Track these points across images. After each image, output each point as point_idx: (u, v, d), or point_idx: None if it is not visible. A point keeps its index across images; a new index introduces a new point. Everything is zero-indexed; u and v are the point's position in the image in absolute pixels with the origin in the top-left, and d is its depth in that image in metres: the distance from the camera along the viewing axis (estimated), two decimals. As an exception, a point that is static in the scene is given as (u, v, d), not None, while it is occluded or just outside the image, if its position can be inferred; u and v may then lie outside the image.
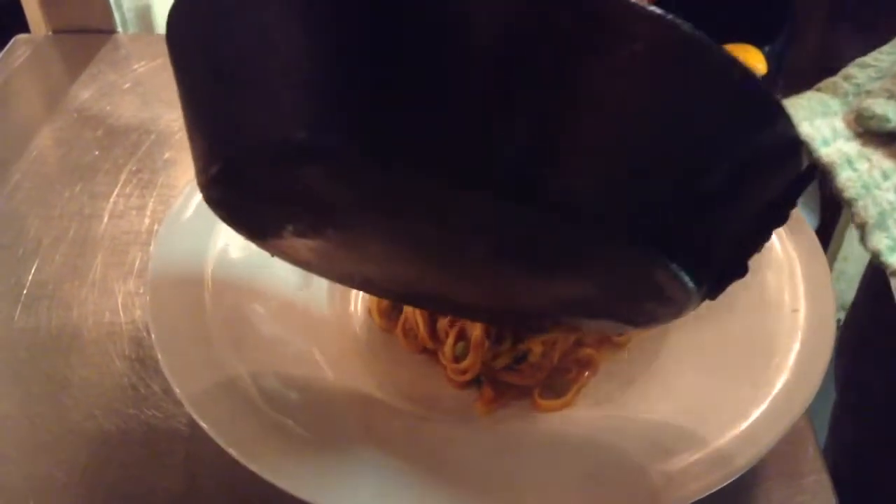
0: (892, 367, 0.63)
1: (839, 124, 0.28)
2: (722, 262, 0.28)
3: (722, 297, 0.44)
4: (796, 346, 0.40)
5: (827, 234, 1.17)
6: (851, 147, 0.28)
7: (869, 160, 0.28)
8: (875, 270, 0.67)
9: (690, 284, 0.27)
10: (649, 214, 0.25)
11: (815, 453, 0.42)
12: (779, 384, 0.38)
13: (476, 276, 0.33)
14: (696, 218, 0.26)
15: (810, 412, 0.41)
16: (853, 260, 1.21)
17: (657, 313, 0.32)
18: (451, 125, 0.23)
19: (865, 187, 0.27)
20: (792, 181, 0.28)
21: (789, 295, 0.42)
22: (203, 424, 0.37)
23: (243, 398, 0.39)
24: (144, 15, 0.83)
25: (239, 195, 0.30)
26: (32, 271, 0.52)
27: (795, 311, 0.42)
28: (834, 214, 1.20)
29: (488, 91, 0.23)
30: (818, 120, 0.28)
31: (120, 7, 0.77)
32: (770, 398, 0.38)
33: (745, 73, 0.24)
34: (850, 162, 0.28)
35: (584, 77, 0.23)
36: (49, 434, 0.43)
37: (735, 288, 0.44)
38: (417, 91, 0.23)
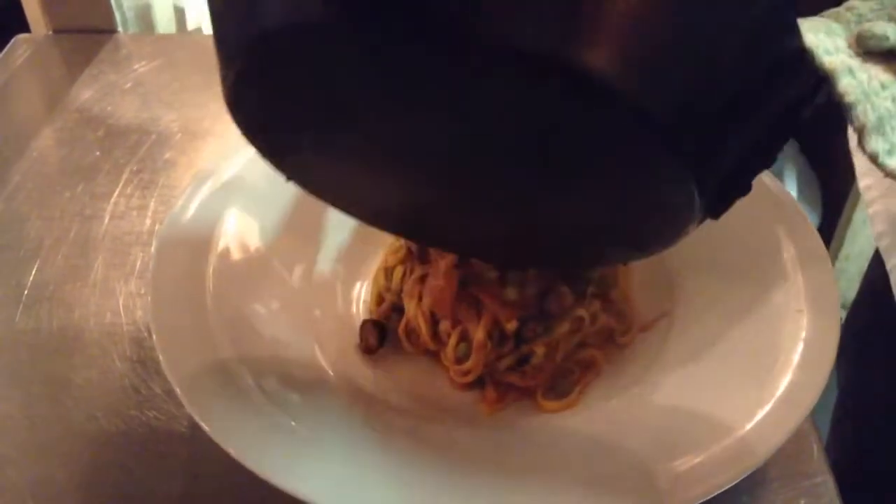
0: (894, 367, 0.63)
1: (841, 43, 0.30)
2: (727, 175, 0.29)
3: (725, 298, 0.44)
4: (800, 347, 0.40)
5: (828, 232, 1.17)
6: (853, 61, 0.29)
7: (868, 73, 0.29)
8: (876, 269, 0.67)
9: (694, 189, 0.27)
10: (667, 103, 0.25)
11: (819, 455, 0.41)
12: (783, 385, 0.38)
13: (487, 190, 0.33)
14: (710, 120, 0.26)
15: (811, 412, 0.40)
16: (854, 259, 1.21)
17: (660, 230, 0.32)
18: None
19: (865, 94, 0.28)
20: (797, 90, 0.29)
21: (793, 295, 0.42)
22: (204, 426, 0.36)
23: (245, 399, 0.39)
24: (144, 15, 0.83)
25: (260, 94, 0.30)
26: (33, 272, 0.52)
27: (799, 311, 0.41)
28: (835, 213, 1.20)
29: None
30: (821, 35, 0.29)
31: (120, 6, 0.77)
32: (774, 399, 0.38)
33: None
34: (850, 71, 0.29)
35: None
36: (50, 435, 0.43)
37: (738, 289, 0.44)
38: None
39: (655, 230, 0.33)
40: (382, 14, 0.24)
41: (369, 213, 0.42)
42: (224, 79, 0.30)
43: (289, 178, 0.37)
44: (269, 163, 0.36)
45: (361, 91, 0.29)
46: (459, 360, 0.43)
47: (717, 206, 0.30)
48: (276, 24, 0.26)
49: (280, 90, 0.30)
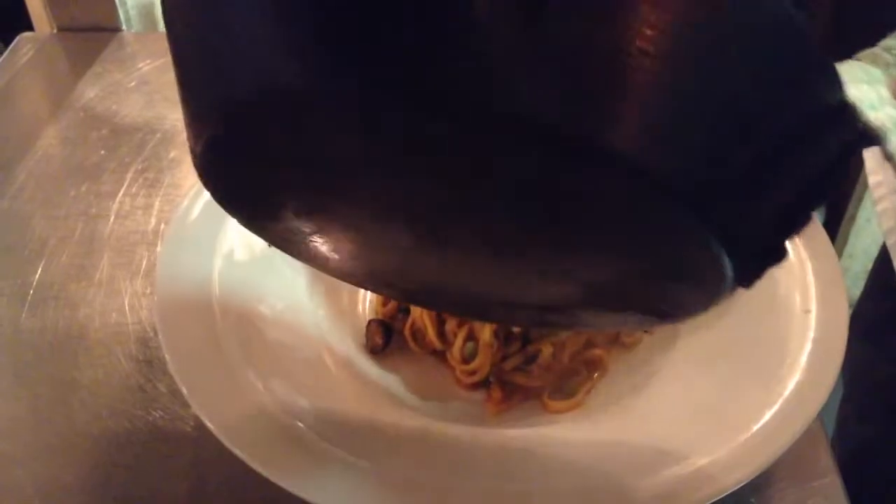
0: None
1: (885, 92, 0.28)
2: (760, 241, 0.26)
3: (733, 298, 0.43)
4: (808, 348, 0.40)
5: (832, 230, 1.17)
6: None
7: None
8: (880, 267, 0.67)
9: (725, 260, 0.25)
10: (691, 173, 0.23)
11: (827, 456, 0.41)
12: (791, 386, 0.38)
13: (490, 253, 0.31)
14: (739, 185, 0.24)
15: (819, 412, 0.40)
16: (858, 257, 1.21)
17: (685, 300, 0.30)
18: (468, 52, 0.20)
19: None
20: (838, 150, 0.26)
21: (801, 296, 0.42)
22: (210, 426, 0.36)
23: (251, 399, 0.39)
24: (148, 13, 0.83)
25: (234, 162, 0.27)
26: (38, 272, 0.52)
27: (807, 311, 0.41)
28: (839, 211, 1.20)
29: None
30: (863, 86, 0.27)
31: (124, 4, 0.77)
32: (782, 400, 0.38)
33: (800, 29, 0.22)
34: None
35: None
36: (56, 435, 0.43)
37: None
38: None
39: (679, 303, 0.30)
40: (393, 83, 0.21)
41: (357, 279, 0.39)
42: (193, 146, 0.27)
43: (270, 244, 0.34)
44: (248, 230, 0.34)
45: (352, 158, 0.26)
46: (466, 360, 0.43)
47: (749, 273, 0.27)
48: (252, 90, 0.23)
49: (257, 158, 0.27)
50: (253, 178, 0.29)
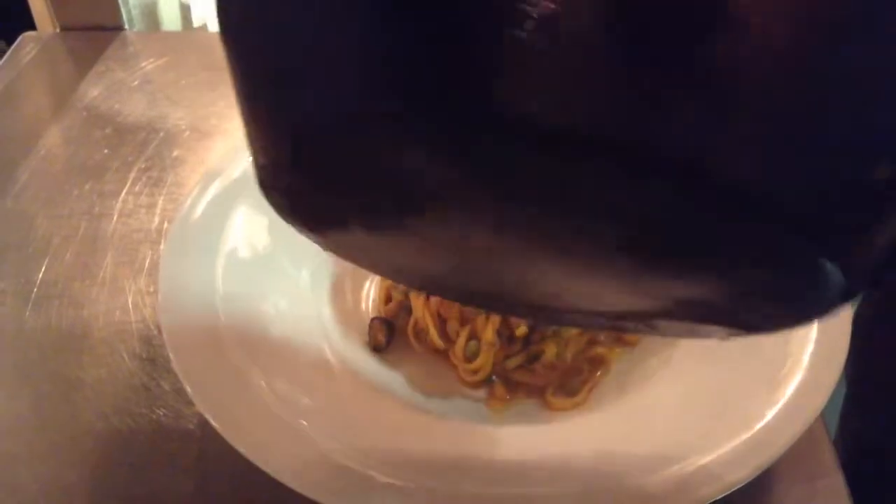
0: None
1: None
2: (871, 272, 0.24)
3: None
4: (811, 347, 0.40)
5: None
6: None
7: None
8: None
9: (831, 284, 0.23)
10: (811, 195, 0.20)
11: (829, 455, 0.41)
12: (793, 385, 0.38)
13: (578, 272, 0.29)
14: (866, 209, 0.22)
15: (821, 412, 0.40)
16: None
17: (778, 317, 0.28)
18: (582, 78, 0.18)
19: None
20: None
21: (803, 294, 0.42)
22: (215, 424, 0.37)
23: (255, 397, 0.39)
24: (151, 12, 0.83)
25: (310, 184, 0.26)
26: (42, 270, 0.52)
27: (809, 310, 0.41)
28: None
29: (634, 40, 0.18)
30: None
31: (126, 4, 0.77)
32: (785, 399, 0.38)
33: None
34: None
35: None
36: (59, 434, 0.43)
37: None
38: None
39: (776, 316, 0.28)
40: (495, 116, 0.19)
41: (413, 282, 0.37)
42: (257, 159, 0.26)
43: (326, 249, 0.32)
44: (304, 236, 0.31)
45: (433, 180, 0.24)
46: (468, 359, 0.43)
47: (862, 290, 0.25)
48: (332, 113, 0.22)
49: (332, 179, 0.25)
50: (325, 196, 0.27)
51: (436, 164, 0.22)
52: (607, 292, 0.30)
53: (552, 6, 0.18)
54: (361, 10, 0.20)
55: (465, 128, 0.20)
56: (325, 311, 0.46)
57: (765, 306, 0.27)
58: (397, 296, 0.47)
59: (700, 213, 0.21)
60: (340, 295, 0.47)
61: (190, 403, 0.43)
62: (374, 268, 0.36)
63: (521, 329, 0.42)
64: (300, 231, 0.31)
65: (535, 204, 0.23)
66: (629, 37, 0.18)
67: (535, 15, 0.18)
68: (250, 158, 0.27)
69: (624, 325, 0.34)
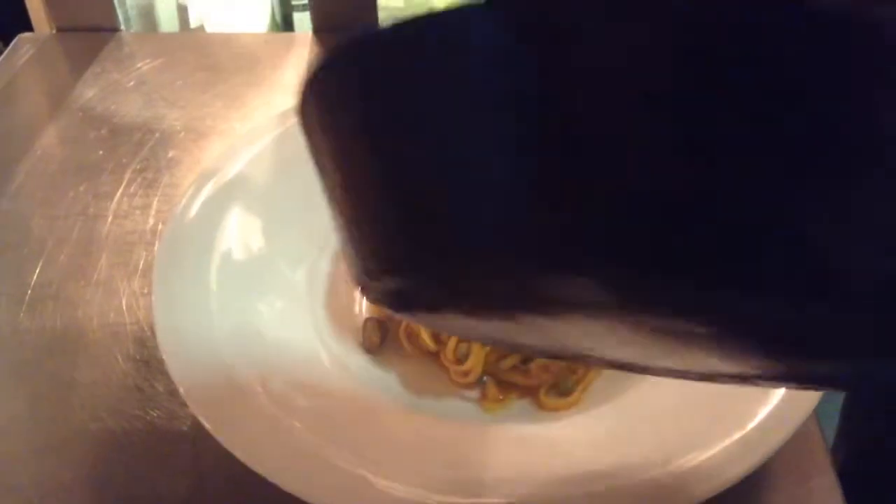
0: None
1: None
2: None
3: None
4: (804, 346, 0.40)
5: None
6: None
7: None
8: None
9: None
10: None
11: (823, 454, 0.41)
12: (786, 384, 0.38)
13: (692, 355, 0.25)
14: None
15: (818, 411, 0.40)
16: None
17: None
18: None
19: None
20: None
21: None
22: (208, 426, 0.37)
23: (249, 399, 0.39)
24: (147, 13, 0.83)
25: (439, 296, 0.23)
26: (37, 271, 0.52)
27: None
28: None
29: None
30: None
31: (123, 5, 0.77)
32: (778, 398, 0.38)
33: None
34: None
35: None
36: (55, 435, 0.43)
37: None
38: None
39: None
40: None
41: (497, 345, 0.36)
42: (365, 272, 0.22)
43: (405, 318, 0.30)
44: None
45: (576, 299, 0.20)
46: (459, 361, 0.43)
47: None
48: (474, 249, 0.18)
49: (463, 293, 0.22)
50: (440, 299, 0.24)
51: (597, 294, 0.19)
52: (713, 364, 0.27)
53: None
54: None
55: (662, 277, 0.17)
56: (320, 311, 0.46)
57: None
58: (392, 296, 0.47)
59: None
60: (335, 296, 0.47)
61: (184, 405, 0.43)
62: (457, 334, 0.34)
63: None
64: (388, 311, 0.27)
65: (678, 317, 0.20)
66: None
67: None
68: (347, 264, 0.24)
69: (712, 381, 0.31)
